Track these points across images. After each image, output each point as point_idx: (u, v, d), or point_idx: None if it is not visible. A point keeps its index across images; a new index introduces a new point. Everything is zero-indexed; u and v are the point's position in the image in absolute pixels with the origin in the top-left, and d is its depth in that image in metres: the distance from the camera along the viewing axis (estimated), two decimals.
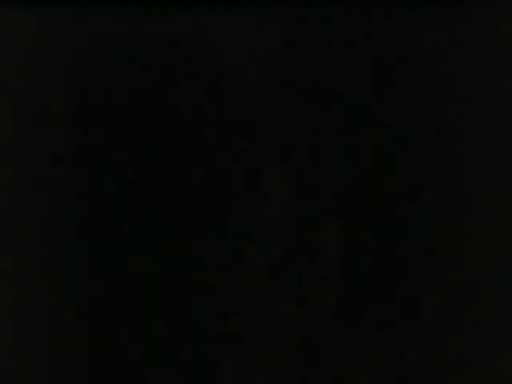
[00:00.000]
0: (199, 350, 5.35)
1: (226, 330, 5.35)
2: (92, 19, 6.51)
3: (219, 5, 5.87)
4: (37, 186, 5.59)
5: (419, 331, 5.32)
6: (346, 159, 6.37)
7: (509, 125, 6.14)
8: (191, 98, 6.42)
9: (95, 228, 5.61)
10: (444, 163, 6.45)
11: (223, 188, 5.93)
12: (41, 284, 5.85)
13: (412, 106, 6.50)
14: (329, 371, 5.08)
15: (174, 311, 5.51)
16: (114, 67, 6.92)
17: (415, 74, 6.59)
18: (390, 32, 6.40)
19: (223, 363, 5.37)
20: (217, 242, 6.03)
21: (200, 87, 6.31)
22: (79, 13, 6.19)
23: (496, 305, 5.32)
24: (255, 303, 5.57)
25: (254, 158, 6.59)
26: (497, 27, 5.65)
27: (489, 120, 6.08)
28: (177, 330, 5.37)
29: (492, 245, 5.73)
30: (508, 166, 6.05)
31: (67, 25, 6.36)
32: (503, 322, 5.34)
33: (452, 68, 6.35)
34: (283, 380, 5.15)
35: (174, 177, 6.18)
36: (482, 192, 6.03)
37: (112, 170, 6.23)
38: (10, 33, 5.82)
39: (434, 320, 5.34)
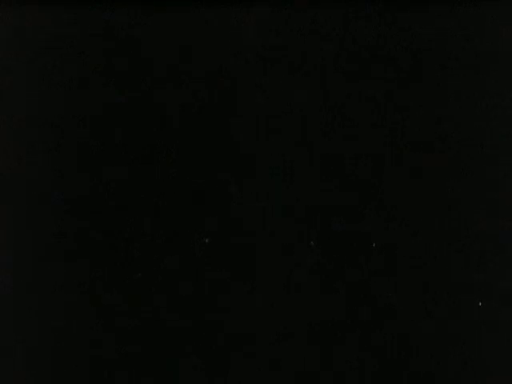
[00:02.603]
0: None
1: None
2: (92, 19, 6.44)
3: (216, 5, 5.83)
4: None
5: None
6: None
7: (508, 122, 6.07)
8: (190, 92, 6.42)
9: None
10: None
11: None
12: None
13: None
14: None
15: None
16: (113, 67, 6.84)
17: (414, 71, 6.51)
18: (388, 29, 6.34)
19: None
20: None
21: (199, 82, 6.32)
22: (79, 13, 6.12)
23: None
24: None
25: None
26: (497, 27, 5.60)
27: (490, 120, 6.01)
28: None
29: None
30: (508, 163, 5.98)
31: (67, 23, 6.27)
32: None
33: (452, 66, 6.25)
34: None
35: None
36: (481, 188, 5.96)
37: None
38: (10, 32, 5.77)
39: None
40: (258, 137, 8.91)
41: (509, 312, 5.76)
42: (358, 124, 8.25)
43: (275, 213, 9.32)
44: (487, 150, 6.91)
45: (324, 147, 8.65)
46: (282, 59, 8.17)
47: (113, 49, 7.46)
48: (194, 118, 8.56)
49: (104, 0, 6.67)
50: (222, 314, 5.87)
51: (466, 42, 6.89)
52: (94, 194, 7.70)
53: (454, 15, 6.81)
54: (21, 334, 5.69)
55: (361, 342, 5.64)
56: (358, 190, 7.72)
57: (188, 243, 7.14)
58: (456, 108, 7.25)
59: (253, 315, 5.91)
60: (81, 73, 7.54)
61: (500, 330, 5.69)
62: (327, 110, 8.44)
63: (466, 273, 5.92)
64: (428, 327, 5.69)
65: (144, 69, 8.05)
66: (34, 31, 6.80)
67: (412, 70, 7.51)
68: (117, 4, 6.81)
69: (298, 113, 8.59)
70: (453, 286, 5.90)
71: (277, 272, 6.51)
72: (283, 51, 8.07)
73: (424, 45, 7.25)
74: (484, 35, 6.72)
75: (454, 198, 7.08)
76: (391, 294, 5.87)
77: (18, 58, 6.93)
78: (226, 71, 8.21)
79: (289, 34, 7.86)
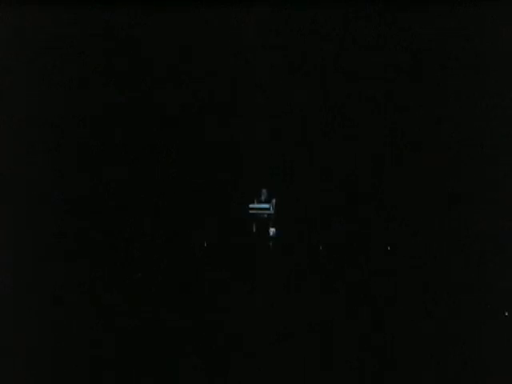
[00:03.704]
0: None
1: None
2: (92, 19, 6.37)
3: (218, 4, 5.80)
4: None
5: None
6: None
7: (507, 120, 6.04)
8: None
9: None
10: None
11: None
12: None
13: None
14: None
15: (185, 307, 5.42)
16: (113, 67, 6.80)
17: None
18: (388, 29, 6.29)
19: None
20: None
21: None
22: (79, 13, 6.07)
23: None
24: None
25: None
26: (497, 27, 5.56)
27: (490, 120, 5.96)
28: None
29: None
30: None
31: (67, 23, 6.22)
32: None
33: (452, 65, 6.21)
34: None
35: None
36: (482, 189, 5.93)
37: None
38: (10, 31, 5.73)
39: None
40: (258, 136, 8.87)
41: (509, 312, 5.75)
42: (358, 124, 8.21)
43: (275, 213, 9.27)
44: (487, 149, 6.89)
45: (324, 147, 8.62)
46: (282, 59, 8.12)
47: (113, 49, 7.44)
48: (194, 118, 8.51)
49: (104, 0, 6.65)
50: (222, 313, 5.86)
51: (466, 42, 6.87)
52: (94, 193, 7.66)
53: (454, 15, 6.78)
54: (21, 333, 5.69)
55: (361, 342, 5.64)
56: (357, 190, 7.69)
57: (188, 244, 7.11)
58: (456, 108, 7.21)
59: (253, 315, 5.90)
60: (81, 73, 7.51)
61: (500, 329, 5.68)
62: (327, 109, 8.40)
63: (466, 273, 5.91)
64: (428, 327, 5.70)
65: (144, 69, 8.01)
66: (34, 31, 6.78)
67: (412, 69, 7.47)
68: (117, 4, 6.79)
69: (298, 113, 8.55)
70: (453, 286, 5.89)
71: (277, 272, 6.48)
72: (283, 51, 8.03)
73: (424, 45, 7.21)
74: (484, 35, 6.70)
75: (454, 198, 7.05)
76: (391, 294, 5.85)
77: (18, 58, 6.91)
78: (226, 71, 8.17)
79: (289, 33, 7.82)
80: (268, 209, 11.52)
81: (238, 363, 5.53)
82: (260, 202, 11.84)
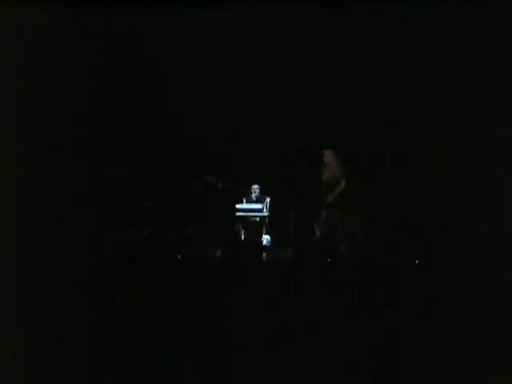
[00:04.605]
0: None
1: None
2: (92, 19, 6.33)
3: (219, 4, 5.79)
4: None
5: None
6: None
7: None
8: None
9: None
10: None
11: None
12: None
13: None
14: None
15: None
16: (113, 67, 6.78)
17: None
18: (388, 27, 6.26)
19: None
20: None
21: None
22: (79, 13, 6.04)
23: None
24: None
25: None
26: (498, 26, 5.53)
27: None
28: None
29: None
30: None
31: (67, 23, 6.19)
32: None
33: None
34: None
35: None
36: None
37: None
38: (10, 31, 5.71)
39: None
40: (258, 137, 8.83)
41: (509, 312, 5.76)
42: (359, 124, 8.18)
43: (270, 216, 9.23)
44: (487, 149, 6.89)
45: (324, 147, 8.59)
46: (282, 59, 8.11)
47: (113, 49, 7.43)
48: (194, 118, 8.47)
49: (104, 0, 6.65)
50: (222, 314, 5.87)
51: (467, 42, 6.87)
52: (94, 194, 7.65)
53: (454, 15, 6.78)
54: (21, 333, 5.70)
55: (360, 342, 5.66)
56: (356, 189, 7.68)
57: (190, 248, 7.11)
58: (456, 108, 7.20)
59: (253, 315, 5.92)
60: (81, 73, 7.51)
61: (500, 329, 5.70)
62: (327, 109, 8.38)
63: (466, 273, 5.91)
64: (428, 327, 5.71)
65: (144, 69, 8.00)
66: (34, 31, 6.78)
67: (412, 70, 7.45)
68: (117, 4, 6.79)
69: (299, 113, 8.52)
70: (453, 286, 5.89)
71: (278, 273, 6.48)
72: (283, 51, 8.02)
73: (424, 45, 7.21)
74: (484, 35, 6.70)
75: (454, 197, 7.05)
76: (391, 294, 5.86)
77: (18, 58, 6.91)
78: (226, 71, 8.15)
79: (289, 33, 7.81)
80: (261, 210, 9.89)
81: (237, 365, 5.56)
82: (250, 201, 10.30)
